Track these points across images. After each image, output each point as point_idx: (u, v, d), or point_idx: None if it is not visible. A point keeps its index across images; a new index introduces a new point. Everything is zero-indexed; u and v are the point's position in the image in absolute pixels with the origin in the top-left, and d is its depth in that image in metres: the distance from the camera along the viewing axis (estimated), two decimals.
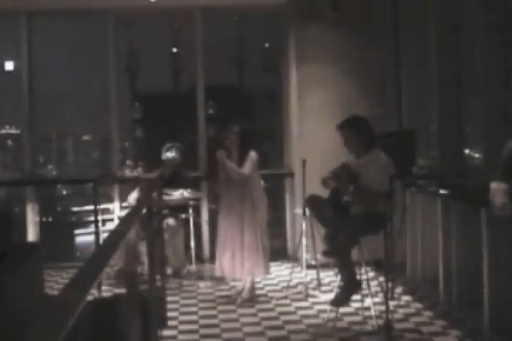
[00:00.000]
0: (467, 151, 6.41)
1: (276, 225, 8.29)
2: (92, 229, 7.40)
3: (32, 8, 7.64)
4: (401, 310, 5.38)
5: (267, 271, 5.93)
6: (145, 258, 5.50)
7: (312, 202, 5.26)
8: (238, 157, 5.86)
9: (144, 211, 3.99)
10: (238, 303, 5.76)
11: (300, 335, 4.89)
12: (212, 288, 6.39)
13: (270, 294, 6.12)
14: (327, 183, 5.06)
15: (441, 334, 4.77)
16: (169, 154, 6.86)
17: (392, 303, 5.16)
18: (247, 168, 5.80)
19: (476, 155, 6.30)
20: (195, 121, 7.84)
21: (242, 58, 8.59)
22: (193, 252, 6.85)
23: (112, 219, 7.60)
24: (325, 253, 5.17)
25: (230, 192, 5.86)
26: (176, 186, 6.75)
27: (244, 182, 5.80)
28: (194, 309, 5.69)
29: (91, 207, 6.86)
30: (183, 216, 6.87)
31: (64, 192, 9.81)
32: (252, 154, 5.85)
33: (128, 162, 8.36)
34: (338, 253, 4.95)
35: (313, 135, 7.16)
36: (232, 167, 5.79)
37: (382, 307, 4.89)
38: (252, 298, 5.84)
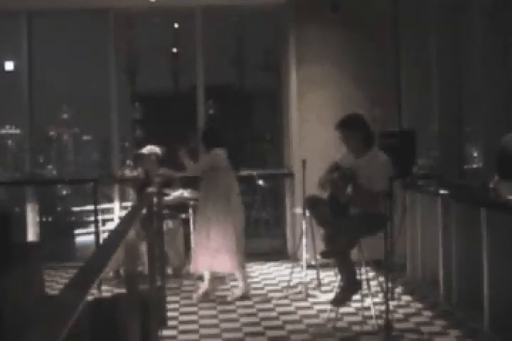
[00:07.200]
0: (467, 151, 6.41)
1: (276, 225, 8.30)
2: (92, 229, 7.40)
3: (32, 8, 7.64)
4: (401, 310, 5.38)
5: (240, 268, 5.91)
6: (145, 258, 5.50)
7: (311, 203, 5.25)
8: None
9: (144, 211, 3.99)
10: (230, 300, 5.83)
11: (300, 335, 4.89)
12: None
13: (270, 294, 6.12)
14: (324, 186, 5.04)
15: (441, 334, 4.77)
16: (146, 148, 6.87)
17: (392, 303, 5.16)
18: (200, 163, 5.78)
19: (476, 155, 6.30)
20: (195, 121, 7.84)
21: (242, 58, 8.59)
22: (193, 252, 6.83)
23: (112, 219, 7.60)
24: (323, 254, 5.15)
25: (205, 191, 5.87)
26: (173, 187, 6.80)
27: (216, 182, 5.75)
28: (194, 309, 5.69)
29: (91, 207, 6.86)
30: (183, 216, 6.87)
31: (64, 192, 9.81)
32: (214, 152, 5.78)
33: (128, 162, 8.36)
34: (337, 254, 4.95)
35: (313, 135, 7.16)
36: (185, 162, 5.80)
37: (382, 307, 4.90)
38: (245, 295, 5.89)
